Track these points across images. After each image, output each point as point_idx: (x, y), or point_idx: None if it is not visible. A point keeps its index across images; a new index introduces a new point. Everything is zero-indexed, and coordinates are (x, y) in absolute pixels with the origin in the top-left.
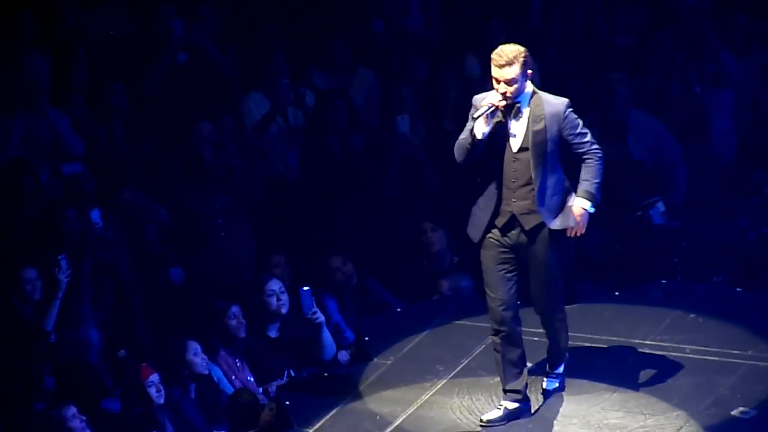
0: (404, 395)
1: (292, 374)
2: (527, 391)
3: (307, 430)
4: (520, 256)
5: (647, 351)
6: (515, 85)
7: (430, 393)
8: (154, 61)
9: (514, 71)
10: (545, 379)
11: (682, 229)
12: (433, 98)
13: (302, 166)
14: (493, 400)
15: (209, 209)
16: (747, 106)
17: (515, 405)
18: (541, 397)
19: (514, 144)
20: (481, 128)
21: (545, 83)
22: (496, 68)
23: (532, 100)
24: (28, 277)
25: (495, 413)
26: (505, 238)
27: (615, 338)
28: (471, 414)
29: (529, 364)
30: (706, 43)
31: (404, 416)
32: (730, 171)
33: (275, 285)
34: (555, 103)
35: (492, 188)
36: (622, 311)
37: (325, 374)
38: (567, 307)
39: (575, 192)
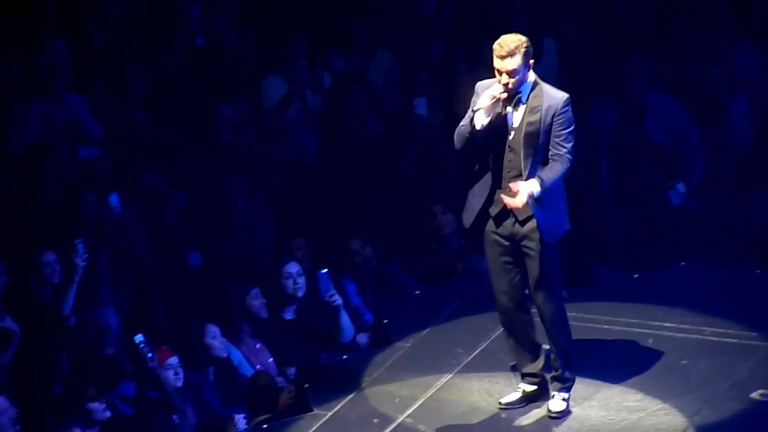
0: (423, 378)
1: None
2: (544, 374)
3: (326, 412)
4: (517, 248)
5: (666, 333)
6: (517, 76)
7: (449, 376)
8: (172, 44)
9: (515, 62)
10: (551, 400)
11: (700, 210)
12: (449, 82)
13: (320, 149)
14: (512, 383)
15: (228, 192)
16: (765, 88)
17: (533, 387)
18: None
19: (511, 134)
20: (480, 119)
21: (564, 64)
22: (498, 59)
23: (533, 90)
24: (47, 261)
25: (513, 396)
26: (502, 228)
27: (634, 320)
28: (490, 396)
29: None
30: (722, 26)
31: (423, 399)
32: (747, 153)
33: (293, 268)
34: (555, 96)
35: (487, 176)
36: (641, 293)
37: (344, 357)
38: (585, 289)
39: (565, 191)
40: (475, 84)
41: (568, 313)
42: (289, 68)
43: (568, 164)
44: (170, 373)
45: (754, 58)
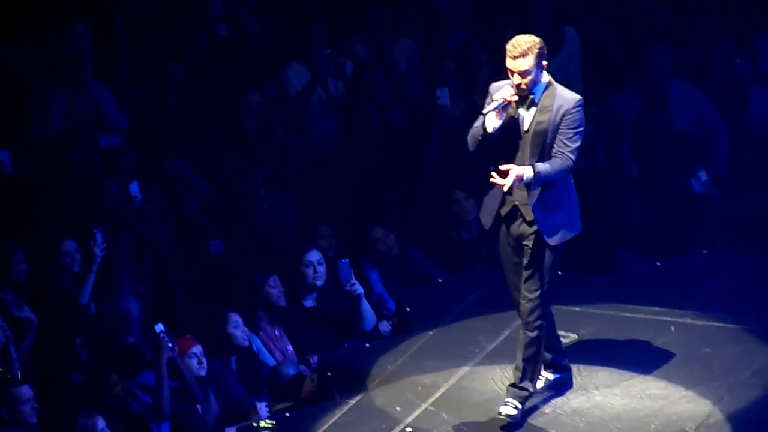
0: (446, 366)
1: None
2: (567, 362)
3: (349, 401)
4: (522, 248)
5: (688, 321)
6: (529, 77)
7: (473, 363)
8: (194, 33)
9: (528, 62)
10: (504, 406)
11: (723, 198)
12: (469, 73)
13: (341, 137)
14: None
15: (252, 181)
16: None
17: (556, 375)
18: (582, 368)
19: (521, 134)
20: (492, 122)
21: (587, 53)
22: (510, 59)
23: (546, 91)
24: (67, 250)
25: (538, 384)
26: (511, 228)
27: (656, 308)
28: None
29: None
30: (744, 16)
31: (446, 387)
32: None
33: (314, 256)
34: (567, 97)
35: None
36: (664, 281)
37: (367, 345)
38: (609, 276)
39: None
40: (495, 75)
41: (591, 301)
42: (311, 56)
43: (570, 163)
44: (194, 362)
45: None
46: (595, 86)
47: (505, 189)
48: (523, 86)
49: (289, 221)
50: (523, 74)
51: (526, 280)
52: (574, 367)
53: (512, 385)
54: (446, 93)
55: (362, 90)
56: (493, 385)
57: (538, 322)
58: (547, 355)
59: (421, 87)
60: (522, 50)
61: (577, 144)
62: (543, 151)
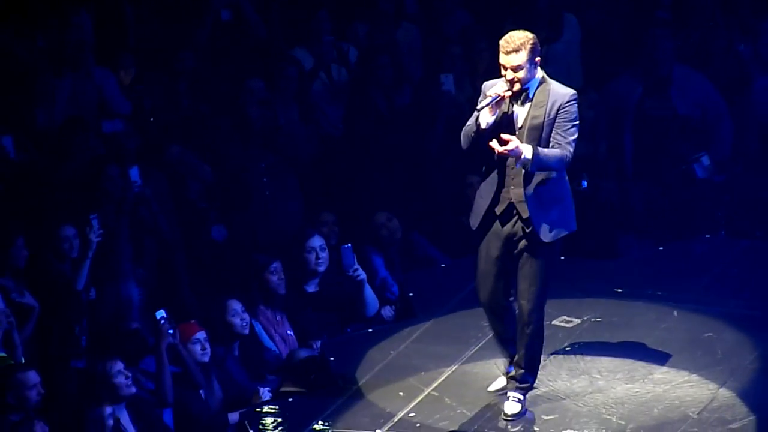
0: (449, 351)
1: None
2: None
3: (352, 386)
4: (515, 248)
5: (691, 306)
6: (522, 72)
7: (475, 349)
8: (199, 19)
9: (520, 58)
10: (507, 402)
11: (725, 183)
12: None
13: (346, 123)
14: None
15: (254, 168)
16: None
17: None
18: (585, 353)
19: (517, 131)
20: (485, 118)
21: (588, 38)
22: (503, 54)
23: (540, 87)
24: (65, 235)
25: (500, 382)
26: (505, 225)
27: (659, 293)
28: None
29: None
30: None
31: (449, 372)
32: None
33: (317, 242)
34: (561, 92)
35: (494, 175)
36: (666, 266)
37: (370, 330)
38: (611, 261)
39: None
40: (494, 62)
41: (593, 286)
42: (314, 42)
43: (568, 155)
44: (197, 348)
45: None
46: (596, 72)
47: (498, 151)
48: (516, 81)
49: (292, 207)
50: (515, 69)
51: (524, 279)
52: (578, 352)
53: (513, 378)
54: (450, 79)
55: (368, 75)
56: (496, 370)
57: (539, 322)
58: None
59: (421, 73)
60: (515, 45)
61: (574, 136)
62: (539, 146)
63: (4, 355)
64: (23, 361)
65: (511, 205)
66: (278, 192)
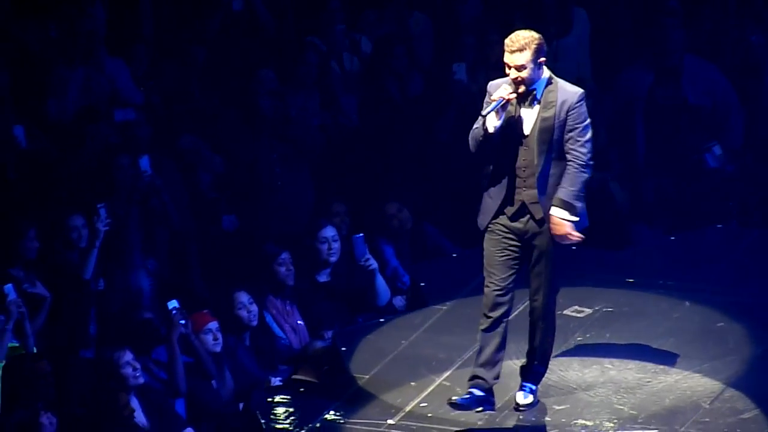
0: (460, 340)
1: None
2: (493, 385)
3: (363, 376)
4: (525, 245)
5: (703, 295)
6: (526, 72)
7: None
8: (211, 8)
9: (524, 57)
10: (519, 391)
11: (737, 173)
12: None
13: (360, 113)
14: None
15: (266, 159)
16: None
17: (481, 393)
18: (596, 343)
19: (525, 132)
20: (492, 122)
21: (598, 29)
22: (508, 54)
23: (548, 87)
24: (74, 225)
25: (464, 397)
26: (514, 225)
27: (671, 282)
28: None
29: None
30: None
31: (460, 361)
32: None
33: (329, 232)
34: (569, 91)
35: (503, 176)
36: (678, 256)
37: (381, 320)
38: (623, 251)
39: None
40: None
41: (605, 276)
42: (326, 32)
43: (585, 160)
44: (209, 338)
45: None
46: (605, 64)
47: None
48: (520, 80)
49: (304, 198)
50: (519, 68)
51: (537, 276)
52: (589, 342)
53: (525, 367)
54: (463, 68)
55: (382, 65)
56: (507, 360)
57: (553, 316)
58: (481, 369)
59: (432, 62)
60: (520, 45)
61: (588, 136)
62: (550, 148)
63: (16, 344)
64: (35, 351)
65: (523, 206)
66: (290, 183)
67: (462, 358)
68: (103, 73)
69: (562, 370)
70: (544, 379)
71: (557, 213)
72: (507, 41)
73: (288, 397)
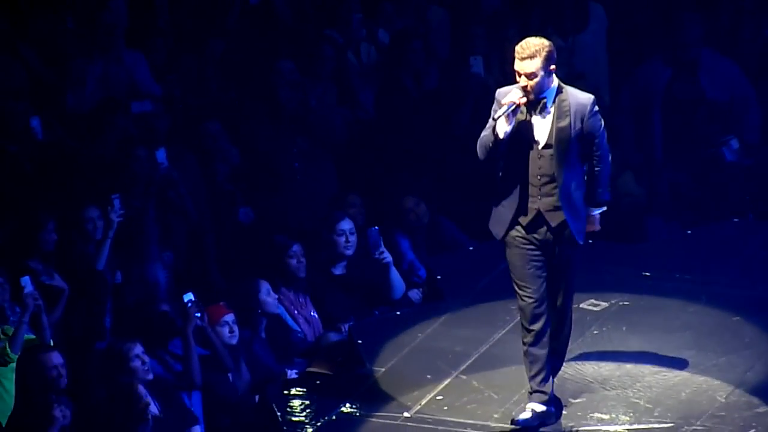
0: (477, 334)
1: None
2: (553, 392)
3: (380, 368)
4: (547, 253)
5: (719, 289)
6: (536, 79)
7: (503, 331)
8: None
9: (535, 65)
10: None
11: (754, 166)
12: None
13: (377, 106)
14: None
15: (286, 153)
16: None
17: (543, 408)
18: (613, 336)
19: (540, 140)
20: (503, 127)
21: (615, 25)
22: (518, 61)
23: (559, 95)
24: (90, 216)
25: (525, 415)
26: (532, 235)
27: (687, 276)
28: None
29: None
30: None
31: (477, 355)
32: None
33: (346, 225)
34: (582, 98)
35: (516, 186)
36: (694, 249)
37: (398, 313)
38: (640, 245)
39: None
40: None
41: (622, 269)
42: (343, 24)
43: (607, 158)
44: (225, 331)
45: None
46: (622, 60)
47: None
48: (530, 88)
49: (326, 191)
50: (529, 76)
51: (559, 281)
52: (606, 335)
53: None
54: (480, 61)
55: (399, 59)
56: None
57: (571, 319)
58: (538, 383)
59: (449, 56)
60: (530, 52)
61: (605, 139)
62: (569, 155)
63: (32, 337)
64: (51, 344)
65: (538, 215)
66: (310, 176)
67: (478, 351)
68: (122, 66)
69: (578, 363)
70: (560, 372)
71: (596, 212)
72: (517, 48)
73: (304, 389)
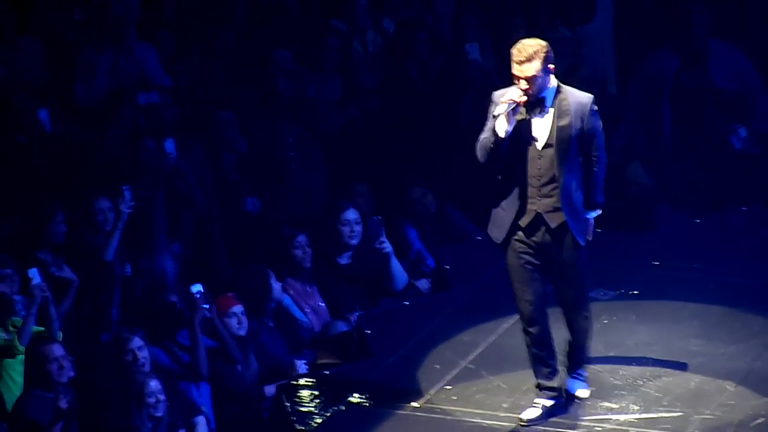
0: (485, 324)
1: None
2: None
3: (388, 358)
4: (546, 255)
5: (728, 278)
6: (536, 82)
7: (511, 321)
8: None
9: (534, 68)
10: (569, 379)
11: (762, 155)
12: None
13: (382, 95)
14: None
15: (282, 142)
16: None
17: (552, 402)
18: (621, 325)
19: (539, 141)
20: (503, 126)
21: (622, 14)
22: (516, 65)
23: (558, 95)
24: (100, 208)
25: (534, 412)
26: (531, 238)
27: (696, 265)
28: None
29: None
30: None
31: (485, 345)
32: None
33: (352, 215)
34: (581, 98)
35: (515, 187)
36: (703, 238)
37: (406, 303)
38: (648, 234)
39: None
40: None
41: (630, 258)
42: (349, 13)
43: (603, 159)
44: (233, 322)
45: None
46: (629, 50)
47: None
48: (530, 92)
49: (316, 180)
50: (529, 80)
51: (568, 286)
52: (614, 324)
53: (573, 375)
54: (476, 48)
55: (404, 49)
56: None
57: (590, 320)
58: (544, 380)
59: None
60: (527, 54)
61: (603, 139)
62: (570, 156)
63: (41, 329)
64: (60, 336)
65: (537, 217)
66: (304, 166)
67: (487, 341)
68: (132, 57)
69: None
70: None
71: (591, 216)
72: (514, 51)
73: (312, 380)
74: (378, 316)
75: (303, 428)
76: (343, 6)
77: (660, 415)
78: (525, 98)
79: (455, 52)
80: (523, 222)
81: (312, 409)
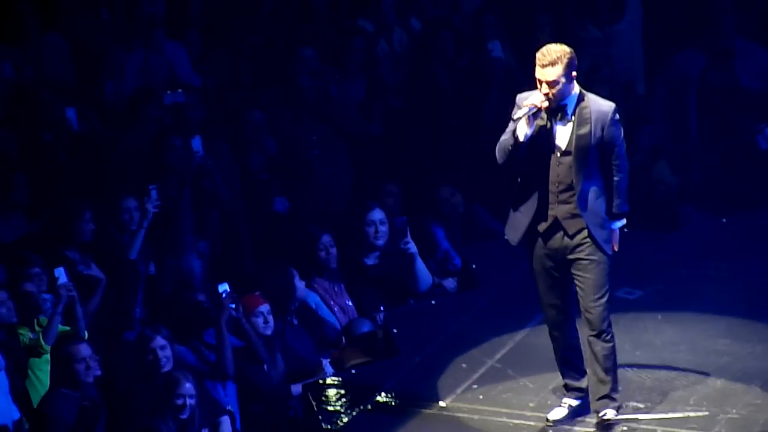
0: (512, 323)
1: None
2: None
3: (415, 357)
4: (566, 261)
5: (754, 277)
6: (557, 87)
7: (538, 320)
8: None
9: (556, 72)
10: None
11: None
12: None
13: (408, 94)
14: None
15: (306, 141)
16: None
17: (578, 402)
18: (647, 324)
19: (560, 147)
20: (523, 130)
21: (650, 14)
22: (539, 68)
23: (580, 102)
24: (127, 207)
25: (561, 412)
26: (550, 243)
27: (722, 264)
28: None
29: None
30: None
31: (512, 344)
32: None
33: (377, 215)
34: (603, 105)
35: (534, 192)
36: (729, 238)
37: (433, 302)
38: (674, 233)
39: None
40: (555, 37)
41: (656, 258)
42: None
43: (626, 167)
44: (260, 321)
45: None
46: (657, 50)
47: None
48: (552, 96)
49: (341, 181)
50: (551, 84)
51: (587, 291)
52: (640, 324)
53: (602, 397)
54: (498, 45)
55: (429, 48)
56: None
57: (611, 330)
58: (571, 381)
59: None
60: (551, 59)
61: (624, 148)
62: (589, 164)
63: (67, 328)
64: (86, 335)
65: (556, 222)
66: (328, 165)
67: (514, 341)
68: (162, 56)
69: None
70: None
71: (616, 226)
72: (538, 55)
73: (339, 379)
74: (405, 316)
75: (329, 427)
76: (370, 5)
77: (687, 414)
78: (547, 103)
79: (478, 50)
80: (542, 227)
81: (338, 408)
